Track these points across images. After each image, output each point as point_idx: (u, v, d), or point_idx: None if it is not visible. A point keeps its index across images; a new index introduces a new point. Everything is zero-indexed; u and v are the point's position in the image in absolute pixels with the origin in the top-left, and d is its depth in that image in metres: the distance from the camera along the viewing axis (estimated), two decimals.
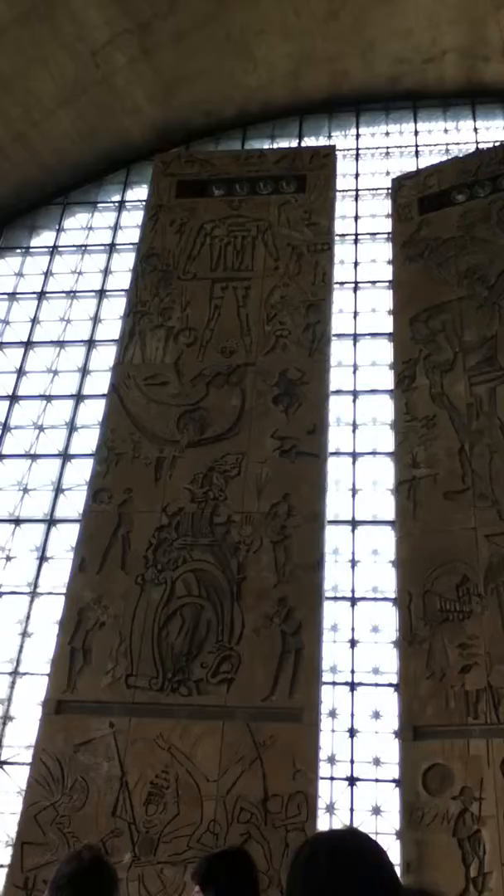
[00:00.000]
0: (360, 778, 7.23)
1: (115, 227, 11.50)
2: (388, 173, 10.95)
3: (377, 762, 7.27)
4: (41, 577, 8.60)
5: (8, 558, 8.87)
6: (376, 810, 7.08)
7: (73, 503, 8.90)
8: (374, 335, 9.80)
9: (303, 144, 11.41)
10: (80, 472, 9.05)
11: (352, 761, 7.28)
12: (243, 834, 5.70)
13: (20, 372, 10.34)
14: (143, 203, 10.22)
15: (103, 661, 6.58)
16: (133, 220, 11.22)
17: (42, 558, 8.74)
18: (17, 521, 9.11)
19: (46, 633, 8.00)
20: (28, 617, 8.38)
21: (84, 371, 10.19)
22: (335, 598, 7.99)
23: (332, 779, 7.17)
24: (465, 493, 7.10)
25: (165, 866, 5.70)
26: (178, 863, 5.67)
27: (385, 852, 1.38)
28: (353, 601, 8.09)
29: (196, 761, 6.05)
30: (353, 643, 7.85)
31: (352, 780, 7.22)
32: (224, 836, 5.69)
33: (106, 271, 11.07)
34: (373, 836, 1.42)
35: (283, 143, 11.41)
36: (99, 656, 6.62)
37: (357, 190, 11.13)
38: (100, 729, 6.26)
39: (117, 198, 11.81)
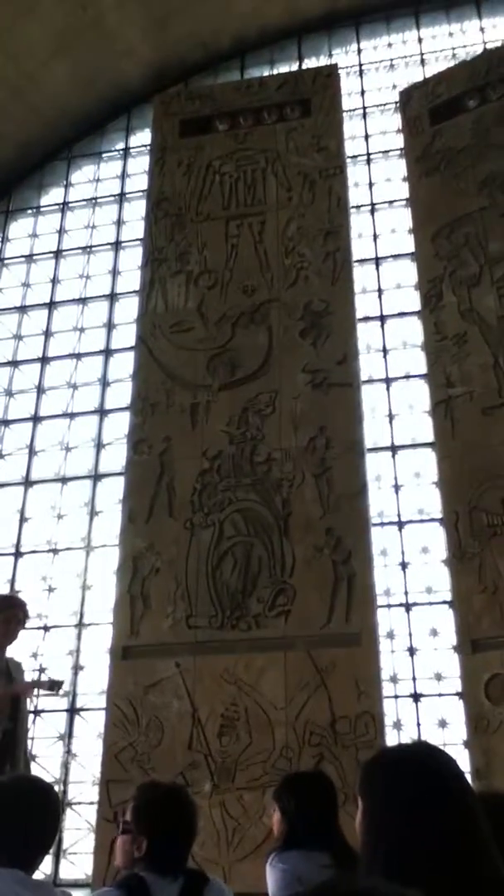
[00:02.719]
0: (423, 694, 7.42)
1: (123, 176, 11.36)
2: (394, 86, 10.61)
3: (439, 677, 7.43)
4: (93, 532, 8.82)
5: (59, 516, 9.09)
6: (442, 723, 7.27)
7: (115, 457, 9.05)
8: (396, 257, 9.64)
9: (304, 67, 11.06)
10: (118, 426, 9.17)
11: (414, 678, 7.46)
12: (315, 756, 5.93)
13: (47, 333, 10.41)
14: (148, 147, 10.07)
15: (163, 605, 6.78)
16: (140, 167, 11.06)
17: (92, 513, 8.95)
18: (64, 480, 9.30)
19: (105, 584, 8.24)
20: (86, 570, 8.63)
21: (109, 326, 10.22)
22: (382, 524, 8.07)
23: (396, 697, 7.37)
24: (503, 407, 7.06)
25: (244, 792, 5.96)
26: (256, 787, 5.93)
27: (455, 761, 1.45)
28: (401, 525, 8.17)
29: (262, 691, 6.26)
30: (404, 565, 7.96)
31: (416, 697, 7.41)
32: (297, 759, 5.92)
33: (119, 222, 10.99)
34: (441, 748, 1.49)
35: (284, 68, 11.07)
36: (158, 601, 6.82)
37: (364, 108, 10.82)
38: (167, 669, 6.50)
39: (121, 145, 11.63)
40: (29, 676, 5.65)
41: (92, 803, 6.43)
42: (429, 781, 1.37)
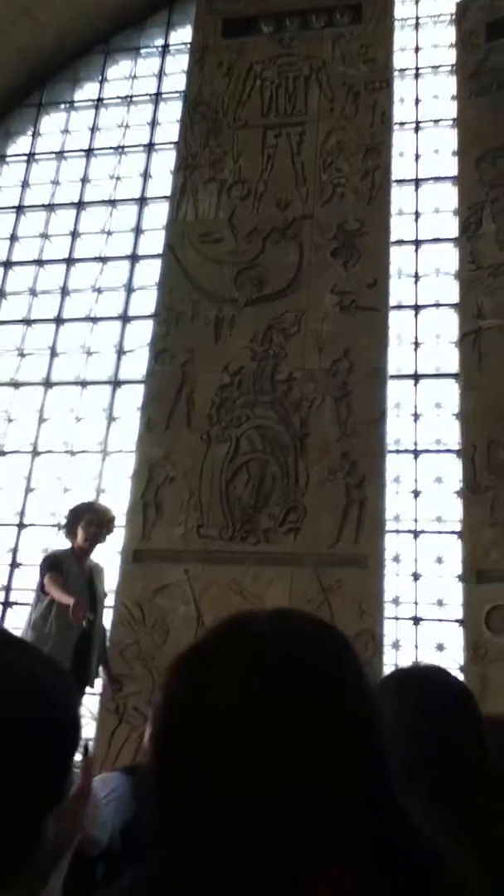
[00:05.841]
0: (423, 618, 7.57)
1: (160, 75, 10.92)
2: None
3: (440, 603, 7.56)
4: (110, 437, 8.87)
5: (77, 419, 9.14)
6: (440, 647, 7.44)
7: (136, 365, 9.01)
8: (436, 179, 9.31)
9: None
10: (141, 334, 9.10)
11: (416, 603, 7.59)
12: None
13: (74, 234, 10.24)
14: (188, 46, 9.67)
15: (175, 514, 6.89)
16: (178, 66, 10.60)
17: (110, 419, 8.98)
18: (84, 384, 9.30)
19: (119, 488, 8.32)
20: (101, 474, 8.71)
21: (137, 231, 10.01)
22: (398, 451, 8.06)
23: (396, 619, 7.51)
24: None
25: None
26: None
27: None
28: (416, 453, 8.16)
29: (267, 604, 6.33)
30: (416, 493, 7.99)
31: (416, 620, 7.56)
32: None
33: (153, 123, 10.64)
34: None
35: None
36: (170, 509, 6.93)
37: (417, 17, 10.26)
38: (175, 575, 6.66)
39: (160, 42, 11.14)
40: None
41: (95, 695, 6.67)
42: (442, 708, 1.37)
